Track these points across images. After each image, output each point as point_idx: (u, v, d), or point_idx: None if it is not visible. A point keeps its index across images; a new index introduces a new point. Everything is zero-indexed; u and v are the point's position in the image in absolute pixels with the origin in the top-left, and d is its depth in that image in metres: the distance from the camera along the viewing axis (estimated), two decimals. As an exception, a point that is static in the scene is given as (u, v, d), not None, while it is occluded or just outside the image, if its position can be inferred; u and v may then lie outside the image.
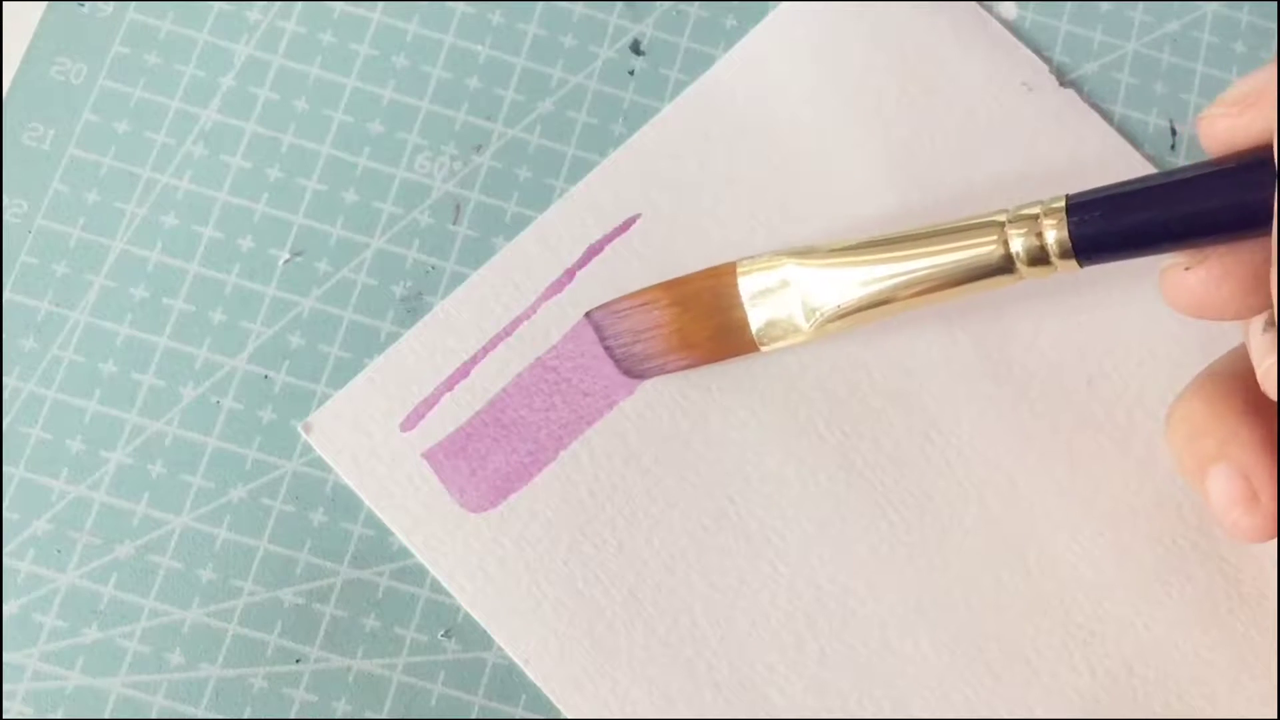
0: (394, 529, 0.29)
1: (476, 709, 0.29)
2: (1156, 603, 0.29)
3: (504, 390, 0.30)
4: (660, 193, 0.31)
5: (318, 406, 0.30)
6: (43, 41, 0.32)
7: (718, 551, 0.29)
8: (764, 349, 0.29)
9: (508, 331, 0.30)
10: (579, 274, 0.31)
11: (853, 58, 0.32)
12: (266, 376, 0.30)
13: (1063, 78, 0.32)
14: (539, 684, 0.29)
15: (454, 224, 0.31)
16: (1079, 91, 0.32)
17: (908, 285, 0.27)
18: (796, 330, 0.28)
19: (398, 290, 0.31)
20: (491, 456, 0.30)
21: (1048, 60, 0.32)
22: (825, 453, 0.30)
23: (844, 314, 0.28)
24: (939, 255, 0.27)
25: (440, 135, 0.32)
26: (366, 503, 0.29)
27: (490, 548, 0.29)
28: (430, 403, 0.30)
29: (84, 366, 0.30)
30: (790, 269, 0.28)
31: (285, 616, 0.29)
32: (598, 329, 0.30)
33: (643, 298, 0.29)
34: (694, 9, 0.33)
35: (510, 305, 0.30)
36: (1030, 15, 0.33)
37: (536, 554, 0.29)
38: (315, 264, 0.31)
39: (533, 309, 0.30)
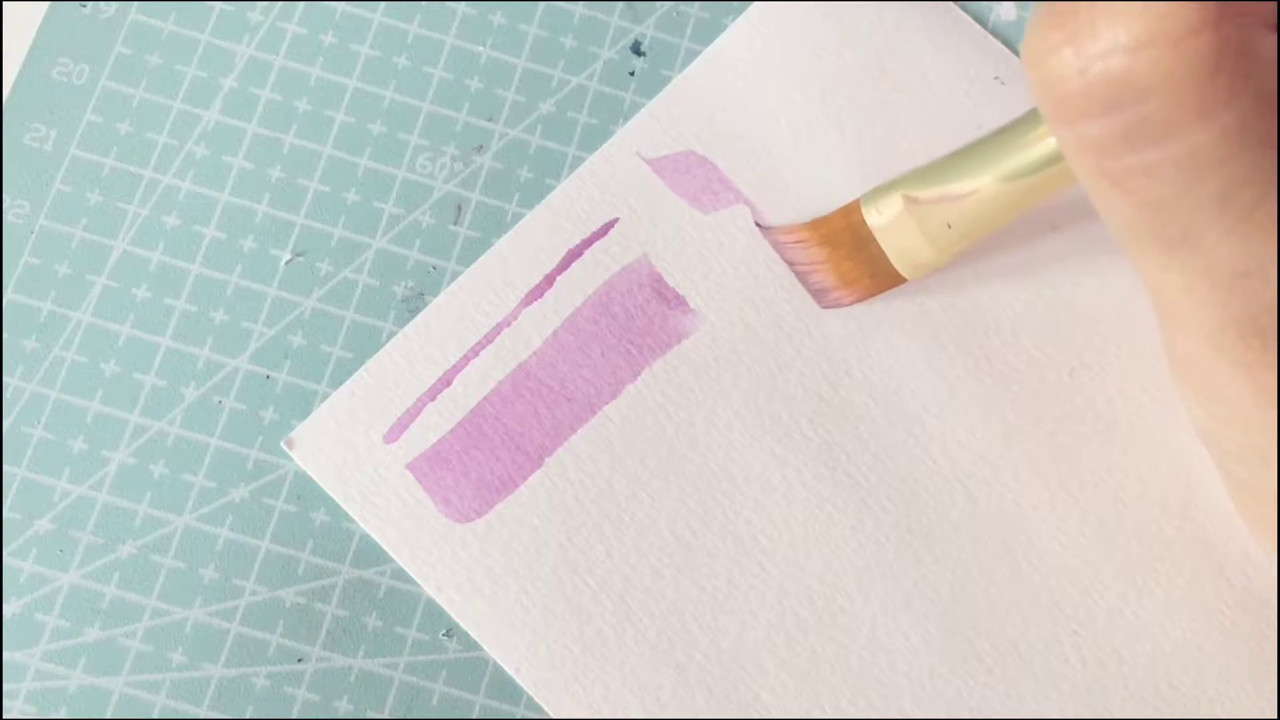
0: (380, 543, 0.29)
1: (478, 708, 0.29)
2: (1144, 591, 0.29)
3: (487, 398, 0.30)
4: (637, 195, 0.31)
5: (319, 406, 0.30)
6: (44, 42, 0.32)
7: (705, 554, 0.29)
8: (910, 278, 0.29)
9: (489, 339, 0.30)
10: (559, 279, 0.31)
11: (824, 58, 0.32)
12: (268, 376, 0.30)
13: None
14: (531, 692, 0.29)
15: (455, 224, 0.31)
16: None
17: (1010, 180, 0.27)
18: (927, 256, 0.29)
19: (399, 290, 0.31)
20: (476, 466, 0.30)
21: (1019, 54, 0.32)
22: (809, 452, 0.30)
23: (958, 228, 0.28)
24: (1031, 145, 0.26)
25: (441, 136, 0.32)
26: (353, 517, 0.29)
27: (478, 558, 0.29)
28: (413, 413, 0.30)
29: (86, 367, 0.30)
30: (901, 191, 0.28)
31: (287, 616, 0.29)
32: (779, 254, 0.30)
33: (795, 234, 0.30)
34: (694, 9, 0.33)
35: (490, 313, 0.30)
36: (1030, 15, 0.33)
37: (524, 562, 0.29)
38: (317, 264, 0.31)
39: (513, 315, 0.30)
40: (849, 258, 0.30)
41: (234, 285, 0.31)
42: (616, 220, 0.31)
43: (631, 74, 0.32)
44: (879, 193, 0.29)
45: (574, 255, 0.31)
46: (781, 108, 0.31)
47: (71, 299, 0.31)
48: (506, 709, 0.29)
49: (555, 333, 0.30)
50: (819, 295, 0.30)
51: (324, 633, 0.29)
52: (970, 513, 0.29)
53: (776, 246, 0.31)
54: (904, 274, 0.29)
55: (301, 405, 0.30)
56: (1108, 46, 0.20)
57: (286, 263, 0.31)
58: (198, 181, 0.31)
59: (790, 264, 0.30)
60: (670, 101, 0.32)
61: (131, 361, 0.30)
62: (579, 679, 0.29)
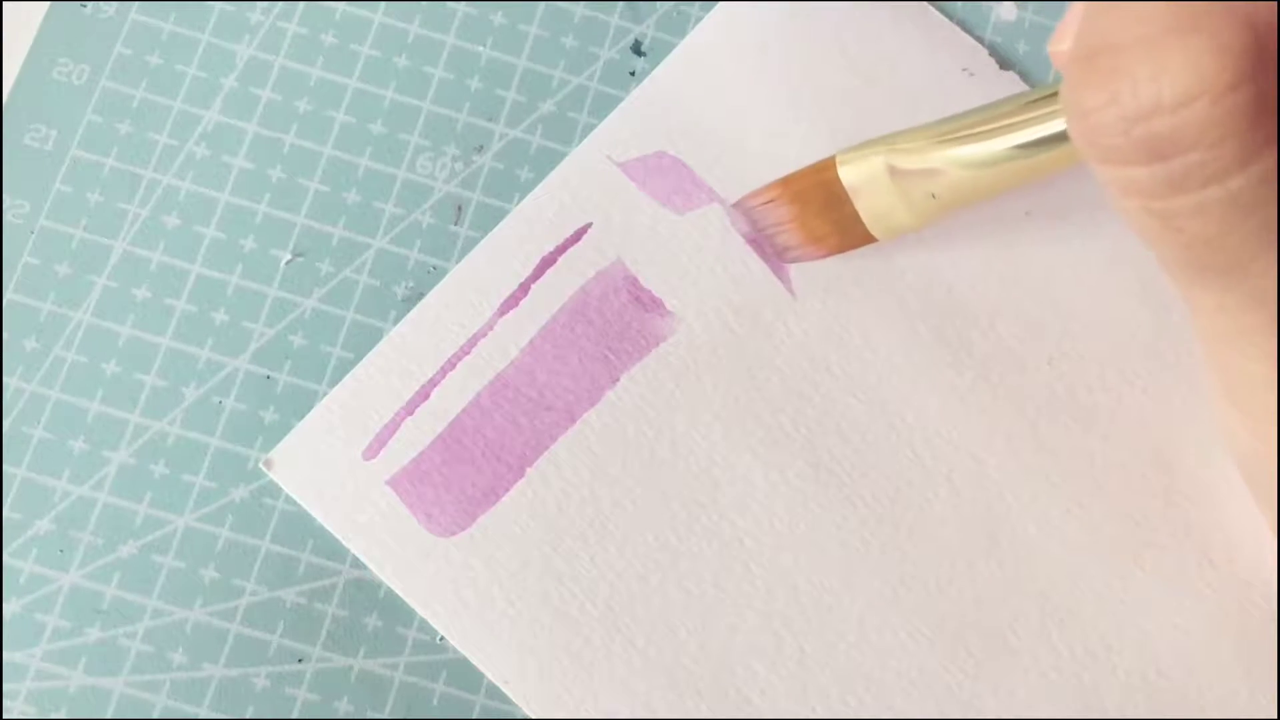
0: (364, 560, 0.29)
1: (478, 708, 0.29)
2: (1129, 577, 0.29)
3: (465, 410, 0.30)
4: (610, 199, 0.31)
5: (296, 426, 0.30)
6: (45, 42, 0.32)
7: (691, 557, 0.29)
8: (881, 239, 0.29)
9: (465, 350, 0.30)
10: (534, 287, 0.31)
11: (794, 54, 0.32)
12: (269, 376, 0.30)
13: (1003, 61, 0.32)
14: (521, 705, 0.29)
15: (455, 224, 0.31)
16: (1019, 74, 0.32)
17: (998, 157, 0.27)
18: (902, 220, 0.28)
19: (399, 291, 0.31)
20: (457, 479, 0.29)
21: (987, 45, 0.32)
22: (792, 451, 0.30)
23: (943, 198, 0.28)
24: (1024, 126, 0.26)
25: (442, 136, 0.32)
26: (335, 535, 0.29)
27: (462, 571, 0.29)
28: (391, 428, 0.30)
29: (86, 367, 0.30)
30: (884, 157, 0.28)
31: (287, 616, 0.29)
32: (748, 221, 0.30)
33: (765, 194, 0.29)
34: (694, 9, 0.33)
35: (466, 324, 0.30)
36: (1030, 16, 0.33)
37: (509, 574, 0.29)
38: (317, 264, 0.31)
39: (489, 326, 0.30)
40: (818, 215, 0.29)
41: (234, 285, 0.31)
42: (590, 225, 0.31)
43: (631, 74, 0.32)
44: (857, 153, 0.28)
45: (548, 262, 0.31)
46: (751, 105, 0.31)
47: (71, 299, 0.31)
48: (507, 709, 0.29)
49: (532, 341, 0.30)
50: (782, 253, 0.30)
51: (324, 633, 0.29)
52: (954, 505, 0.30)
53: (744, 214, 0.30)
54: (876, 235, 0.29)
55: (301, 405, 0.30)
56: (1151, 107, 0.20)
57: (286, 263, 0.31)
58: (198, 181, 0.31)
59: (756, 229, 0.30)
60: (639, 103, 0.32)
61: (131, 361, 0.30)
62: (569, 689, 0.29)
